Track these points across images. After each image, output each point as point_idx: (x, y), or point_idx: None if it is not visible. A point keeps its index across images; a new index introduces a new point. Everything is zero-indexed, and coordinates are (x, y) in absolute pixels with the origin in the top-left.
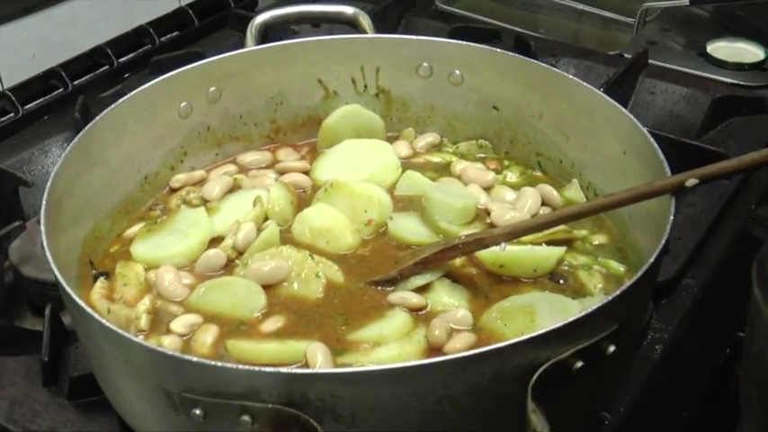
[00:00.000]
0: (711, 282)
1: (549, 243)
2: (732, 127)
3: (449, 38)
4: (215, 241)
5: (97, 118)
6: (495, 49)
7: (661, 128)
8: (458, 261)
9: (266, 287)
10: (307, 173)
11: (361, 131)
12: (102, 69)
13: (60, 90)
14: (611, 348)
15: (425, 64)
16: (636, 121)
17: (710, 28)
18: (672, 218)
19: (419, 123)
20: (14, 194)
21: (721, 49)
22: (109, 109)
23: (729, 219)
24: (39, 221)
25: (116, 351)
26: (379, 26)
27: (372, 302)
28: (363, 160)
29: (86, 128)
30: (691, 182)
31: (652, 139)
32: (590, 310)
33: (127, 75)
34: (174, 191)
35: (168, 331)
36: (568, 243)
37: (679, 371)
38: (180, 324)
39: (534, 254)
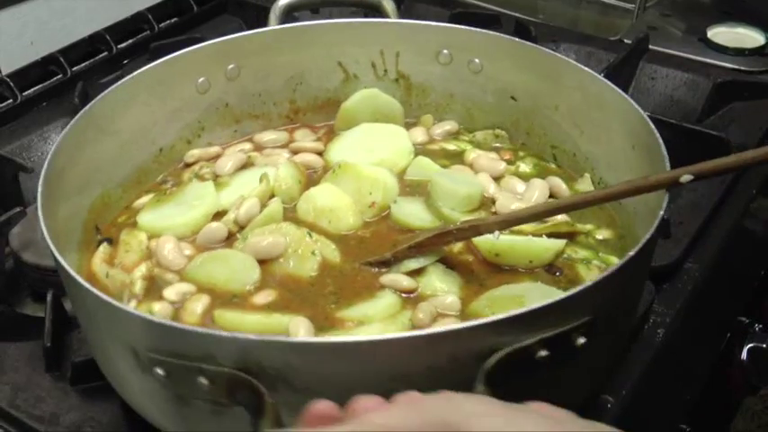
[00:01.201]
0: (713, 266)
1: (552, 235)
2: (733, 112)
3: (449, 23)
4: (220, 215)
5: (108, 90)
6: (513, 38)
7: (662, 113)
8: (456, 248)
9: (263, 262)
10: (320, 154)
11: (379, 115)
12: (101, 56)
13: (59, 76)
14: (581, 340)
15: (445, 51)
16: (645, 115)
17: (711, 13)
18: (662, 213)
19: (438, 110)
20: (14, 181)
21: (722, 34)
22: (120, 82)
23: (731, 203)
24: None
25: (92, 309)
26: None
27: (364, 283)
28: (377, 144)
29: (97, 98)
30: (685, 178)
31: (658, 135)
32: (555, 299)
33: (126, 61)
34: (188, 165)
35: (161, 298)
36: (571, 236)
37: (681, 354)
38: (172, 292)
39: (530, 244)
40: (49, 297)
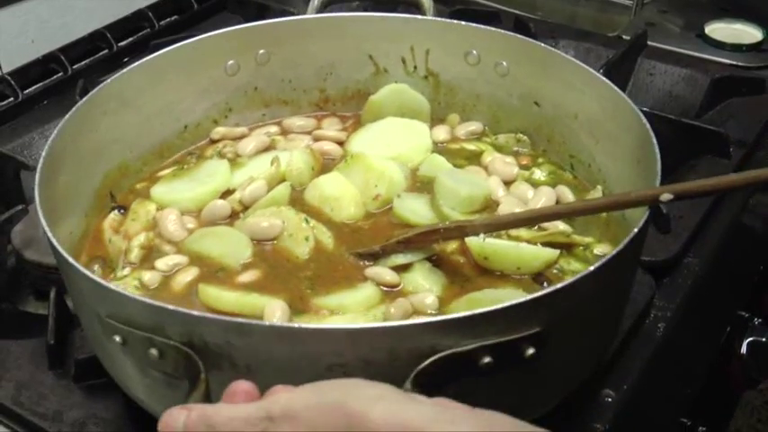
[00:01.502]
0: (712, 261)
1: (548, 245)
2: (731, 107)
3: (448, 19)
4: (229, 194)
5: (133, 65)
6: (539, 43)
7: (661, 109)
8: (449, 248)
9: (258, 242)
10: (341, 143)
11: (405, 110)
12: (101, 53)
13: (60, 74)
14: (530, 351)
15: (474, 52)
16: (651, 131)
17: (708, 9)
18: (636, 231)
19: (465, 110)
20: (15, 178)
21: (719, 30)
22: (147, 58)
23: (730, 199)
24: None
25: (65, 271)
26: (379, 8)
27: (346, 273)
28: (397, 138)
29: (120, 73)
30: (665, 197)
31: (657, 151)
32: (498, 306)
33: (126, 59)
34: (213, 142)
35: (153, 267)
36: (568, 247)
37: (681, 348)
38: (164, 262)
39: (519, 251)
40: (52, 294)
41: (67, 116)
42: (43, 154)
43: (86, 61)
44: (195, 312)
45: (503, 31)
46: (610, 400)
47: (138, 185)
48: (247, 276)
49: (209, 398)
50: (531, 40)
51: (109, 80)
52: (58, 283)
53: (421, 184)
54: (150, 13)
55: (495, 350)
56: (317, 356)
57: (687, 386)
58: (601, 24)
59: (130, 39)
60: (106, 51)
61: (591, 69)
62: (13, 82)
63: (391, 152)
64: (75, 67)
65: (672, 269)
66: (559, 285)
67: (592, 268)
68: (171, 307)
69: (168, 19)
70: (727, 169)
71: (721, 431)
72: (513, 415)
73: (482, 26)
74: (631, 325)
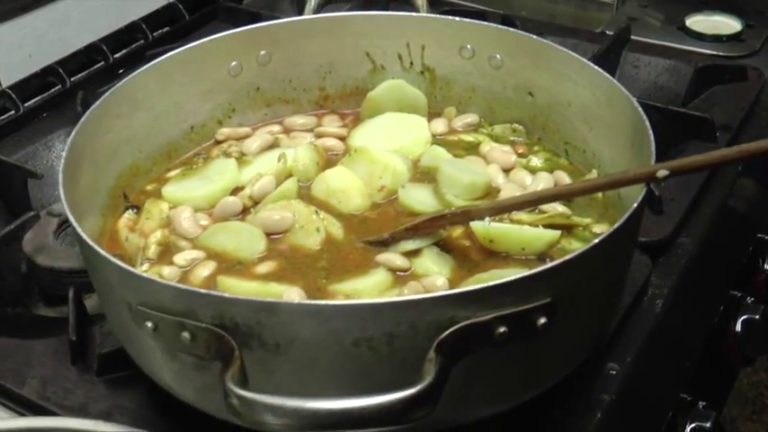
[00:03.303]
0: (704, 241)
1: (548, 227)
2: (716, 95)
3: None
4: (239, 191)
5: (144, 67)
6: (531, 35)
7: (648, 98)
8: (455, 233)
9: (270, 235)
10: (343, 139)
11: (403, 106)
12: (98, 65)
13: (58, 87)
14: (542, 320)
15: (468, 46)
16: (643, 115)
17: (688, 2)
18: (636, 206)
19: (461, 103)
20: (23, 187)
21: (699, 22)
22: (157, 60)
23: (718, 180)
24: (50, 213)
25: (94, 264)
26: (368, 9)
27: (357, 261)
28: (398, 132)
29: (131, 75)
30: (662, 173)
31: (651, 132)
32: (511, 278)
33: (122, 71)
34: (218, 142)
35: (171, 263)
36: (568, 228)
37: (679, 324)
38: (182, 257)
39: (523, 232)
40: (70, 294)
41: (83, 118)
42: (64, 155)
43: (84, 73)
44: (227, 295)
45: (496, 25)
46: (614, 372)
47: (149, 187)
48: (264, 268)
49: (244, 373)
50: (523, 33)
51: (122, 82)
52: (73, 285)
53: (421, 175)
54: (144, 25)
55: (510, 320)
56: (343, 332)
57: (685, 359)
58: (582, 22)
59: (125, 50)
60: (102, 63)
61: (582, 58)
62: (13, 95)
63: (393, 145)
64: (73, 79)
65: (667, 249)
66: (568, 257)
67: (596, 241)
68: (203, 291)
69: (161, 30)
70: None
71: (720, 406)
72: (528, 386)
73: (476, 21)
74: (631, 302)
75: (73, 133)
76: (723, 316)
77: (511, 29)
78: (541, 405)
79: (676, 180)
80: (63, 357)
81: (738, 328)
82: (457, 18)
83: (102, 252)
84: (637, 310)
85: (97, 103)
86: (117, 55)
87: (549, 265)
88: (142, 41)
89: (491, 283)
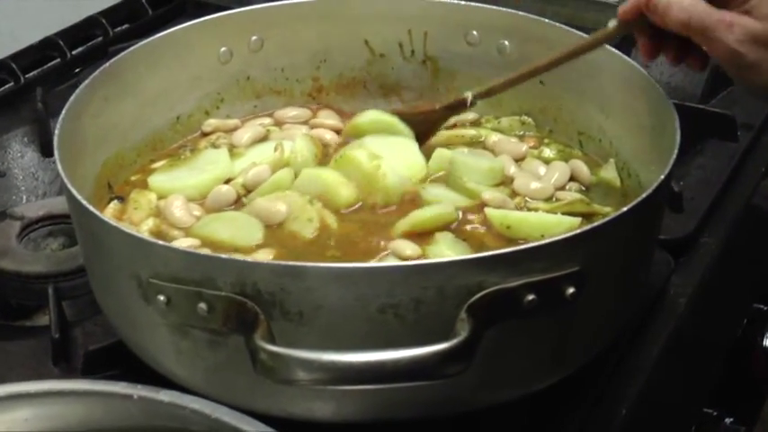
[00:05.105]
0: (727, 241)
1: (568, 214)
2: (734, 94)
3: None
4: (229, 182)
5: (132, 48)
6: (542, 18)
7: None
8: (469, 221)
9: (266, 226)
10: (339, 131)
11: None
12: (54, 62)
13: (11, 84)
14: (571, 290)
15: (474, 32)
16: (664, 93)
17: None
18: (663, 177)
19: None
20: None
21: None
22: (148, 40)
23: (741, 180)
24: (11, 216)
25: (100, 237)
26: None
27: (368, 248)
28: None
29: (120, 55)
30: (612, 23)
31: (673, 109)
32: (542, 242)
33: (78, 69)
34: (205, 135)
35: None
36: (588, 216)
37: (701, 328)
38: (179, 244)
39: (542, 218)
40: (50, 290)
41: (72, 97)
42: (56, 132)
43: (39, 70)
44: (249, 259)
45: (504, 9)
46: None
47: (133, 177)
48: (262, 256)
49: (272, 335)
50: (534, 16)
51: (111, 61)
52: (55, 286)
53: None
54: (103, 20)
55: (539, 287)
56: (369, 298)
57: (708, 367)
58: (582, 22)
59: (84, 47)
60: (59, 60)
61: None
62: None
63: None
64: (27, 75)
65: (688, 248)
66: (597, 223)
67: (625, 209)
68: (224, 256)
69: (121, 27)
70: (735, 152)
71: (749, 425)
72: (557, 363)
73: (482, 5)
74: (653, 301)
75: (63, 111)
76: (749, 329)
77: (520, 12)
78: (559, 420)
79: (696, 178)
80: (42, 358)
81: (766, 342)
82: (462, 1)
83: (113, 222)
84: (658, 309)
85: (86, 82)
86: (75, 51)
87: (577, 231)
88: (101, 38)
89: (521, 247)
